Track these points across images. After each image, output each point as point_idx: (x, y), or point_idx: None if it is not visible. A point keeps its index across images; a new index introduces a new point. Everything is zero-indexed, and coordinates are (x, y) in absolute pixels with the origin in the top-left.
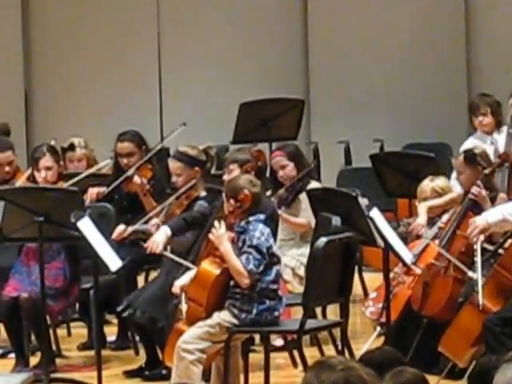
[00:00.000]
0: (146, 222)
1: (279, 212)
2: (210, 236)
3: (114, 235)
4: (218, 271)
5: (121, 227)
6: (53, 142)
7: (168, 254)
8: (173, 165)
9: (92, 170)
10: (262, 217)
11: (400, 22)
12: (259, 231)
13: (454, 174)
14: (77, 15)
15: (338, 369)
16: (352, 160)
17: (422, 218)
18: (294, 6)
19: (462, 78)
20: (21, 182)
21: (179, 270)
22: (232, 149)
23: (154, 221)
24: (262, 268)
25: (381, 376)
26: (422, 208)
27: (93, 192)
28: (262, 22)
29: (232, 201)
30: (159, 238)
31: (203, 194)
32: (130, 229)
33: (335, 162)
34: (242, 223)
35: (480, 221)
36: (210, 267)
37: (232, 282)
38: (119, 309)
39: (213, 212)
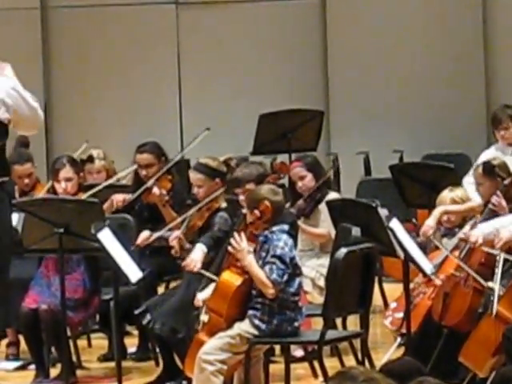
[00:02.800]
0: (169, 230)
1: (298, 223)
2: (230, 248)
3: (139, 241)
4: (238, 282)
5: (146, 233)
6: (84, 146)
7: (205, 272)
8: (194, 176)
9: (113, 180)
10: (286, 227)
11: (418, 33)
12: (283, 241)
13: (473, 187)
14: (96, 27)
15: (360, 380)
16: (371, 171)
17: (431, 220)
18: (312, 17)
19: (480, 88)
20: (41, 194)
21: (200, 282)
22: (250, 159)
23: (175, 233)
24: (285, 278)
25: None
26: (436, 211)
27: (119, 199)
28: (282, 33)
29: (253, 212)
30: (197, 256)
31: (224, 205)
32: (155, 235)
33: (355, 172)
34: (266, 232)
35: (506, 232)
36: (230, 278)
37: (254, 292)
38: (137, 312)
39: (234, 223)
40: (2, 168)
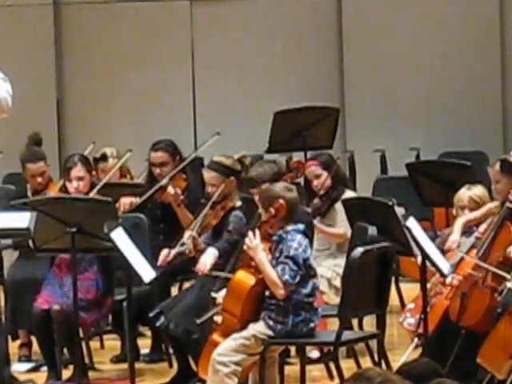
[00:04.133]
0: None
1: (314, 222)
2: (244, 247)
3: (160, 261)
4: (252, 282)
5: (165, 251)
6: (91, 147)
7: (216, 272)
8: (207, 175)
9: (116, 168)
10: (301, 227)
11: (435, 31)
12: (297, 242)
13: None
14: (110, 23)
15: (377, 381)
16: (388, 169)
17: (456, 235)
18: (328, 13)
19: (497, 85)
20: (53, 193)
21: (214, 282)
22: (266, 158)
23: (189, 233)
24: (297, 279)
25: None
26: (459, 224)
27: (126, 202)
28: (297, 30)
29: (267, 210)
30: (208, 259)
31: (238, 203)
32: (173, 252)
33: (371, 170)
34: (280, 232)
35: None
36: (244, 278)
37: (267, 293)
38: (151, 314)
39: (249, 222)
40: None
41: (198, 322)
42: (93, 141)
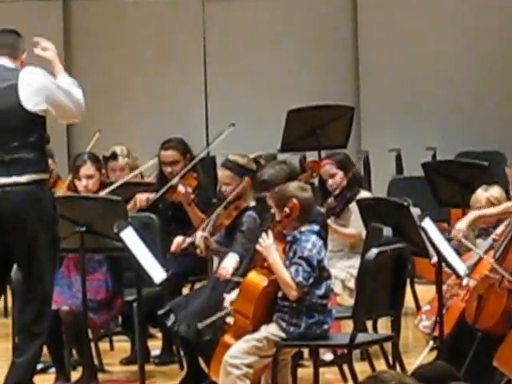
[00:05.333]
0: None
1: (328, 222)
2: (258, 247)
3: (173, 247)
4: (265, 283)
5: (179, 238)
6: (97, 135)
7: (238, 278)
8: (222, 173)
9: (135, 173)
10: (316, 228)
11: (452, 30)
12: (311, 243)
13: None
14: (121, 21)
15: None
16: (403, 169)
17: (462, 223)
18: (343, 11)
19: None
20: (61, 191)
21: (227, 283)
22: (279, 158)
23: (200, 233)
24: (311, 281)
25: None
26: (470, 215)
27: (142, 198)
28: (312, 27)
29: (281, 210)
30: (229, 264)
31: (252, 203)
32: (188, 240)
33: (386, 170)
34: (294, 232)
35: None
36: (256, 278)
37: (280, 295)
38: (160, 312)
39: (263, 223)
40: (40, 164)
41: (200, 326)
42: (98, 129)
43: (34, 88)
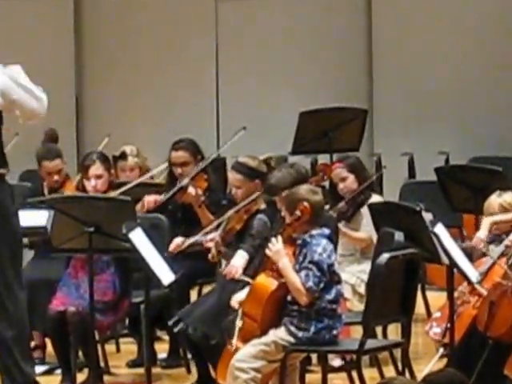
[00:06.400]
0: (204, 235)
1: (339, 226)
2: (267, 252)
3: (172, 247)
4: (273, 286)
5: (178, 239)
6: (106, 140)
7: (246, 278)
8: (232, 176)
9: (145, 177)
10: (326, 232)
11: (467, 33)
12: (322, 247)
13: None
14: (130, 20)
15: None
16: (416, 173)
17: (482, 232)
18: (357, 12)
19: None
20: (70, 191)
21: (235, 286)
22: (290, 160)
23: (212, 235)
24: (321, 286)
25: None
26: (486, 222)
27: (150, 200)
28: (324, 28)
29: (292, 213)
30: (238, 263)
31: (263, 206)
32: (188, 241)
33: (398, 174)
34: (306, 236)
35: None
36: (265, 281)
37: (289, 298)
38: (170, 323)
39: (273, 226)
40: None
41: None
42: (108, 134)
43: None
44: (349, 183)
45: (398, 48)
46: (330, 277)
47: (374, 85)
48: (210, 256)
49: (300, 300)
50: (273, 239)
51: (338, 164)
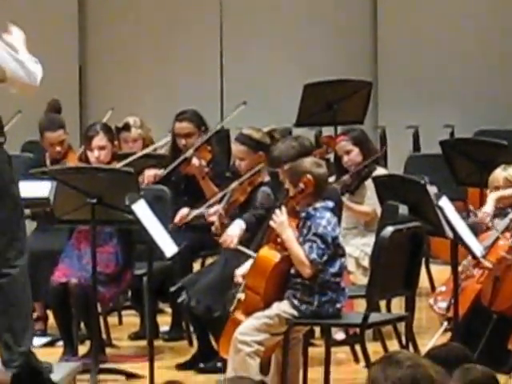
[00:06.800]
0: (209, 207)
1: (343, 199)
2: (271, 223)
3: (177, 219)
4: (277, 259)
5: (184, 211)
6: (109, 113)
7: (242, 248)
8: (236, 148)
9: (149, 150)
10: (330, 204)
11: (472, 4)
12: (326, 220)
13: None
14: None
15: (406, 365)
16: (421, 146)
17: (488, 207)
18: None
19: None
20: (72, 162)
21: (239, 259)
22: (294, 132)
23: (215, 207)
24: (325, 258)
25: (449, 373)
26: (492, 197)
27: (150, 174)
28: (330, 2)
29: (295, 186)
30: (234, 232)
31: (267, 179)
32: (193, 213)
33: (403, 147)
34: (309, 209)
35: None
36: (269, 254)
37: (292, 271)
38: (172, 289)
39: (277, 199)
40: None
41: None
42: (111, 107)
43: None
44: (353, 156)
45: (403, 21)
46: (334, 250)
47: (379, 57)
48: (213, 228)
49: (303, 272)
50: (277, 211)
51: (342, 137)
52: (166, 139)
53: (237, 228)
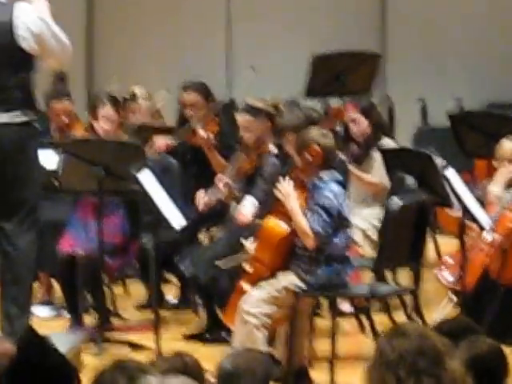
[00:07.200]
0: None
1: (351, 169)
2: (276, 193)
3: (202, 206)
4: (283, 230)
5: (202, 195)
6: (114, 79)
7: (258, 221)
8: (241, 118)
9: (158, 105)
10: (337, 175)
11: None
12: (333, 192)
13: None
14: None
15: (412, 336)
16: (429, 119)
17: (497, 187)
18: None
19: None
20: (79, 132)
21: (245, 229)
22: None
23: (224, 179)
24: (329, 231)
25: (455, 345)
26: (501, 176)
27: (161, 143)
28: None
29: (302, 156)
30: (247, 209)
31: (274, 150)
32: (213, 197)
33: (411, 120)
34: (316, 180)
35: None
36: (275, 225)
37: (299, 243)
38: (176, 259)
39: (284, 169)
40: (32, 104)
41: (220, 264)
42: (113, 74)
43: (28, 28)
44: (362, 126)
45: None
46: (339, 221)
47: (388, 29)
48: (222, 196)
49: (307, 243)
50: (281, 180)
51: (350, 106)
52: (164, 93)
53: (250, 205)
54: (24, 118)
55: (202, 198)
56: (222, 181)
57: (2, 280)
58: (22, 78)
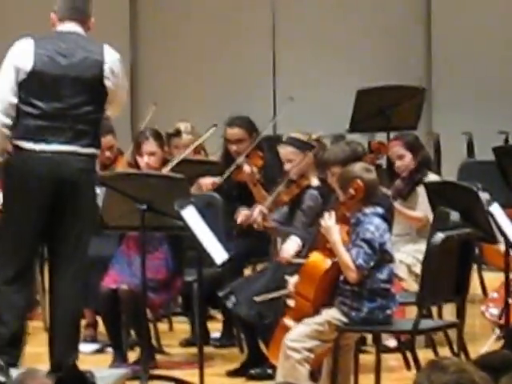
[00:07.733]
0: None
1: (394, 204)
2: (319, 228)
3: (240, 219)
4: (327, 265)
5: (246, 211)
6: (153, 108)
7: (299, 260)
8: (283, 150)
9: (196, 143)
10: (380, 210)
11: None
12: (374, 225)
13: None
14: None
15: (450, 371)
16: (475, 153)
17: None
18: None
19: None
20: (122, 167)
21: (289, 266)
22: (348, 138)
23: (259, 207)
24: (372, 264)
25: (496, 380)
26: None
27: (207, 182)
28: (381, 3)
29: (345, 191)
30: (291, 248)
31: (316, 183)
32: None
33: (457, 154)
34: (359, 215)
35: None
36: (319, 260)
37: (342, 278)
38: (221, 294)
39: (326, 204)
40: (99, 140)
41: (257, 299)
42: (154, 102)
43: (116, 74)
44: (406, 161)
45: (457, 25)
46: (381, 256)
47: (433, 64)
48: (255, 225)
49: (349, 277)
50: (325, 215)
51: (395, 141)
52: (210, 131)
53: (293, 244)
54: (93, 151)
55: (244, 213)
56: (259, 210)
57: (51, 315)
58: (100, 116)
